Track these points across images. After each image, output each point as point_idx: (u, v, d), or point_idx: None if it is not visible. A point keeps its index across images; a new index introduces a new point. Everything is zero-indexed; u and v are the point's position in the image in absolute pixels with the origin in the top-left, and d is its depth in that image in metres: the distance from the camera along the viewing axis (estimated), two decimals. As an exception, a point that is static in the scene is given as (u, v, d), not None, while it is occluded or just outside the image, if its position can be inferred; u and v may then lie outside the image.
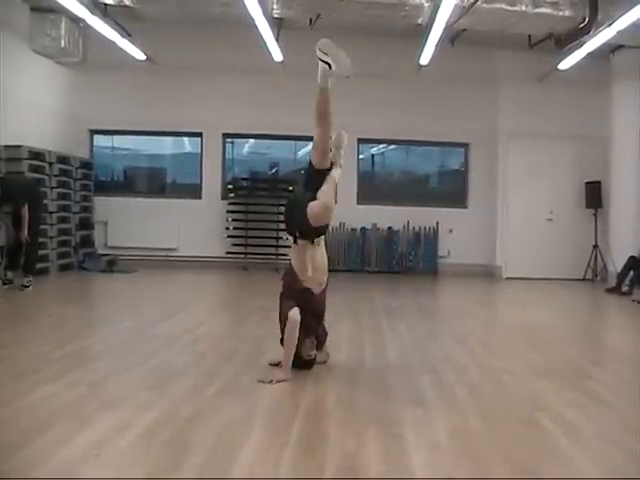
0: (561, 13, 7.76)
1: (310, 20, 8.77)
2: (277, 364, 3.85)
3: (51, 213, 9.18)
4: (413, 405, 3.29)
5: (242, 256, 10.76)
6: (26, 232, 7.06)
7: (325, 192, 3.74)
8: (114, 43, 8.97)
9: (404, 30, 8.94)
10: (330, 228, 11.11)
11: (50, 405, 3.09)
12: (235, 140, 11.47)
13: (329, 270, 3.96)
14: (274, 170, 11.82)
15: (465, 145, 11.26)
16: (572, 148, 10.70)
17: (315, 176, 3.83)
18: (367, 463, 2.49)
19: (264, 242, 10.72)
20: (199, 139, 11.15)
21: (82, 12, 7.78)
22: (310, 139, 3.90)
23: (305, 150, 11.24)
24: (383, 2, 7.65)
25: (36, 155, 8.83)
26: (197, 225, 10.80)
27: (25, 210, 7.04)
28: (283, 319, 3.76)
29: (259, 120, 10.63)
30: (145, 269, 9.86)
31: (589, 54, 8.65)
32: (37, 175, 8.81)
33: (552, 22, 7.95)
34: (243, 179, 11.29)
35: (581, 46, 8.38)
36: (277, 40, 8.96)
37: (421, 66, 9.66)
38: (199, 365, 4.02)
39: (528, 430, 3.00)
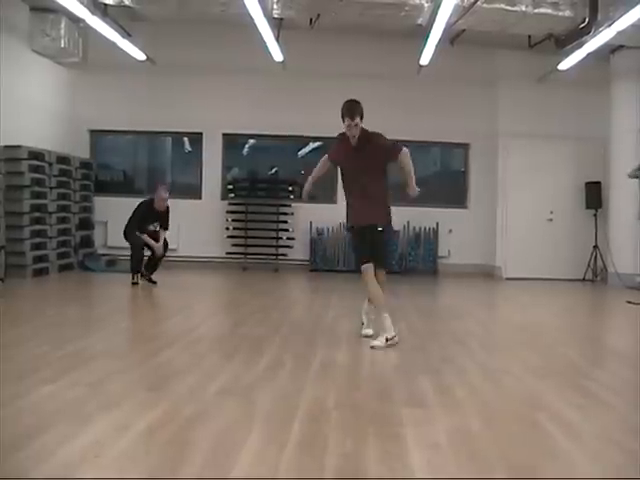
0: (561, 13, 7.76)
1: (310, 20, 8.77)
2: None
3: (51, 213, 9.18)
4: (413, 405, 3.29)
5: (242, 256, 10.76)
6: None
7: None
8: (114, 43, 8.96)
9: (404, 30, 8.94)
10: (330, 228, 11.06)
11: (50, 405, 3.09)
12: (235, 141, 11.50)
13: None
14: (274, 170, 11.81)
15: (465, 145, 11.26)
16: (572, 148, 10.70)
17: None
18: (367, 463, 2.49)
19: (264, 242, 10.72)
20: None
21: (82, 12, 7.77)
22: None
23: (305, 150, 11.25)
24: (383, 2, 7.65)
25: (36, 155, 8.83)
26: (197, 225, 10.79)
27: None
28: None
29: (259, 120, 10.63)
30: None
31: (589, 54, 8.64)
32: (37, 175, 8.82)
33: (552, 22, 7.96)
34: (243, 179, 11.30)
35: (581, 46, 8.37)
36: (277, 40, 8.96)
37: (421, 66, 9.66)
38: (199, 365, 4.02)
39: (528, 430, 3.00)
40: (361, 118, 4.89)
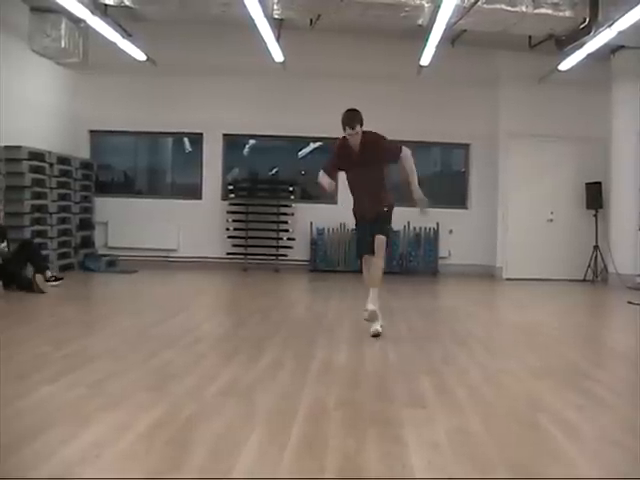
0: (561, 14, 7.76)
1: (311, 20, 8.78)
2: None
3: (51, 214, 9.18)
4: (413, 406, 3.29)
5: (242, 257, 10.76)
6: None
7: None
8: (114, 44, 8.96)
9: (404, 31, 8.95)
10: (330, 228, 11.08)
11: (50, 405, 3.09)
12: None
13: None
14: (274, 171, 11.81)
15: (465, 146, 11.26)
16: (572, 149, 10.70)
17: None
18: (367, 464, 2.49)
19: (264, 243, 10.73)
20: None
21: (82, 12, 7.77)
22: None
23: (305, 150, 11.24)
24: (383, 3, 7.66)
25: (36, 156, 8.83)
26: (197, 226, 10.80)
27: None
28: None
29: (259, 120, 10.64)
30: (145, 270, 9.86)
31: (589, 55, 8.64)
32: (37, 176, 8.82)
33: (552, 23, 7.96)
34: (243, 180, 11.30)
35: (581, 47, 8.37)
36: (278, 40, 8.96)
37: (421, 67, 9.66)
38: (199, 365, 4.03)
39: (528, 431, 3.00)
40: (361, 125, 5.04)
